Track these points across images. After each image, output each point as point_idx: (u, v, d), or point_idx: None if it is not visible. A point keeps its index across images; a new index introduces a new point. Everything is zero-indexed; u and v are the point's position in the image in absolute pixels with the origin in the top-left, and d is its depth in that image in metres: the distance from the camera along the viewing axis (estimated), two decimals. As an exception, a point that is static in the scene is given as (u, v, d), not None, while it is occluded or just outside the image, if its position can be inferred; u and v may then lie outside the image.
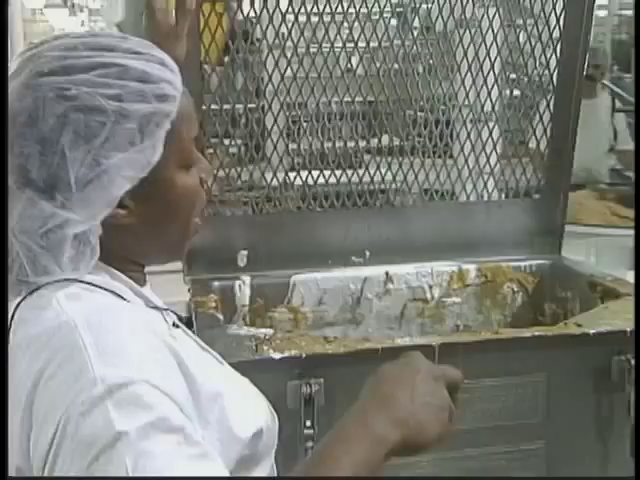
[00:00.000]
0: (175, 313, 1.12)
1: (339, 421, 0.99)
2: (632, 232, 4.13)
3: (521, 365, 1.87)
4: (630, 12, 11.97)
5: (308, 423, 1.74)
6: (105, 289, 1.01)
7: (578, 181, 4.73)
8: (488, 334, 1.87)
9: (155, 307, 1.08)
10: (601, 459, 1.91)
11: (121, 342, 0.90)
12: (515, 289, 2.49)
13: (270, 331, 1.91)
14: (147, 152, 0.98)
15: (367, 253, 2.43)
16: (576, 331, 1.85)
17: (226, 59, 2.40)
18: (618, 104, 5.63)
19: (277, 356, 1.76)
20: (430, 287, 2.48)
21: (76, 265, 0.99)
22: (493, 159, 4.58)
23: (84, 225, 0.98)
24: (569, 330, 1.86)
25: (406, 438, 0.99)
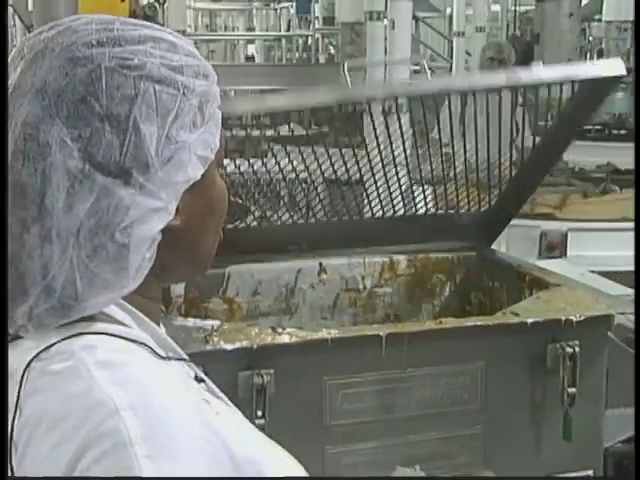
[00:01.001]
0: (196, 364, 0.94)
1: None
2: (539, 223, 4.32)
3: (461, 353, 1.94)
4: (524, 7, 12.33)
5: (259, 413, 1.76)
6: (134, 341, 0.84)
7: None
8: (432, 323, 1.94)
9: (179, 359, 0.90)
10: (535, 442, 2.00)
11: (170, 433, 0.76)
12: (444, 279, 2.57)
13: (217, 322, 1.92)
14: (213, 132, 0.88)
15: (304, 244, 2.47)
16: (514, 320, 1.93)
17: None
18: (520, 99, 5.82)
19: (229, 347, 1.77)
20: (362, 277, 2.53)
21: (135, 277, 0.85)
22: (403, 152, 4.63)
23: (162, 219, 0.84)
24: (508, 319, 1.94)
25: None
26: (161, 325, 0.94)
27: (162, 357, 0.85)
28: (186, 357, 0.92)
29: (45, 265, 0.81)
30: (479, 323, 1.92)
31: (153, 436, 0.75)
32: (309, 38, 10.32)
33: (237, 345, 1.78)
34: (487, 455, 1.97)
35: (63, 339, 0.82)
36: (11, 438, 0.79)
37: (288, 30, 11.76)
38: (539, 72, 2.35)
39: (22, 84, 0.83)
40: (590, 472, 2.03)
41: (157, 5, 8.32)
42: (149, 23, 0.89)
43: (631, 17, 8.19)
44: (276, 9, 11.65)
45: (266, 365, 1.78)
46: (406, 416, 1.93)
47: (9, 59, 0.87)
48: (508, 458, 1.99)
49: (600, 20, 8.94)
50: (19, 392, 0.80)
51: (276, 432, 1.74)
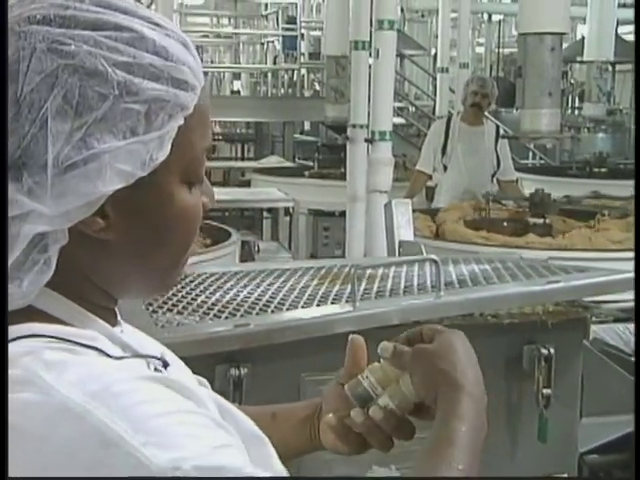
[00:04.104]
0: (157, 358, 0.86)
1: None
2: (518, 250, 4.35)
3: (439, 353, 1.95)
4: (508, 50, 12.53)
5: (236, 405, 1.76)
6: (80, 344, 0.77)
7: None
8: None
9: (137, 355, 0.83)
10: (511, 443, 2.01)
11: (146, 413, 0.71)
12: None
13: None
14: (152, 146, 0.76)
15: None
16: (491, 321, 1.95)
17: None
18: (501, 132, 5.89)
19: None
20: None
21: (20, 279, 0.76)
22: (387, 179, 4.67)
23: (52, 223, 0.75)
24: (484, 320, 1.96)
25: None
26: (121, 325, 0.87)
27: (116, 357, 0.79)
28: (141, 353, 0.84)
29: (7, 246, 0.75)
30: (456, 322, 1.94)
31: (139, 424, 0.70)
32: (295, 73, 10.45)
33: (215, 338, 1.79)
34: (463, 456, 1.97)
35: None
36: None
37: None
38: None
39: None
40: (565, 475, 2.04)
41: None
42: (135, 8, 0.79)
43: (612, 58, 8.34)
44: (262, 44, 11.79)
45: (244, 359, 1.79)
46: (382, 416, 1.94)
47: None
48: (483, 459, 1.98)
49: (582, 62, 9.07)
50: None
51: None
